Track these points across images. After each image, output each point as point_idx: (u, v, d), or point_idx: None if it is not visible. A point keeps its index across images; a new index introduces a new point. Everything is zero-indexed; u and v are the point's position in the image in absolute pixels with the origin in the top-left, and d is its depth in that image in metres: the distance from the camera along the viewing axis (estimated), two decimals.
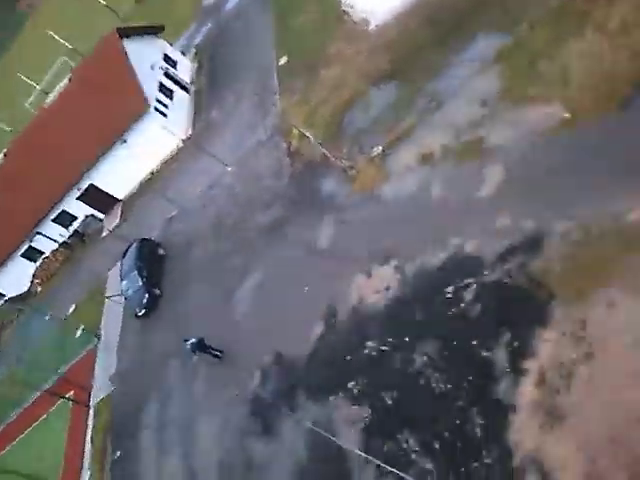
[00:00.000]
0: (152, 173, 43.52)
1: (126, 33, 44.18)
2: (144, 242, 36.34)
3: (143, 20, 66.88)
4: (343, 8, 35.85)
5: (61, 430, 34.56)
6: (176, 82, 45.63)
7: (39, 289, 48.65)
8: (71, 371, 37.74)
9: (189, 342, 27.04)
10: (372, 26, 32.98)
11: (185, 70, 47.60)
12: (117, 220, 44.24)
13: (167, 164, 42.64)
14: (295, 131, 31.37)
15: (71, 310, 42.51)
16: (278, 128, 34.13)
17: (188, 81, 46.77)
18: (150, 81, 42.55)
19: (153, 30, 47.44)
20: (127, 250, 36.54)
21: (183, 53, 50.29)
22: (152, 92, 42.09)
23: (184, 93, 45.52)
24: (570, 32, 23.13)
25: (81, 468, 31.34)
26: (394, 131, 26.87)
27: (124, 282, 34.92)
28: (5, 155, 48.22)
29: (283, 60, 37.94)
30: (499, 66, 24.59)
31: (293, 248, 27.60)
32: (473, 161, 22.46)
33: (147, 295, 33.90)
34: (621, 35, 21.54)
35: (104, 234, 44.61)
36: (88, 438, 32.32)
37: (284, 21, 40.69)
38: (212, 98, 43.16)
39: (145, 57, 43.64)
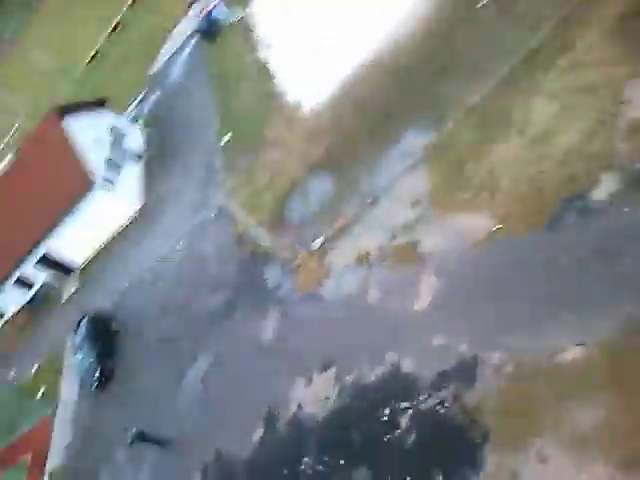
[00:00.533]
0: (105, 243, 40.76)
1: (68, 110, 41.44)
2: (96, 316, 34.10)
3: (95, 82, 64.56)
4: (277, 91, 34.14)
5: None
6: (124, 154, 43.09)
7: None
8: (29, 434, 35.04)
9: (129, 432, 25.31)
10: (306, 110, 31.29)
11: (135, 140, 45.06)
12: (74, 288, 41.47)
13: (120, 235, 40.07)
14: (240, 220, 29.66)
15: (33, 371, 39.60)
16: (224, 209, 32.17)
17: (138, 152, 44.26)
18: (96, 155, 39.97)
19: (97, 103, 44.73)
20: (80, 321, 34.42)
21: (136, 119, 47.63)
22: (99, 167, 39.48)
23: (133, 164, 43.02)
24: (494, 134, 21.88)
25: None
26: (333, 225, 25.33)
27: (78, 356, 32.87)
28: None
29: (226, 138, 36.02)
30: (428, 165, 23.22)
31: (238, 338, 25.83)
32: (408, 267, 21.10)
33: (99, 369, 31.71)
34: (543, 142, 20.34)
35: (63, 300, 41.80)
36: None
37: (225, 99, 38.79)
38: (161, 170, 40.82)
39: (89, 131, 41.01)
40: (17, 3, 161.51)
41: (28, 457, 33.25)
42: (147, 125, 47.18)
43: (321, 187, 27.35)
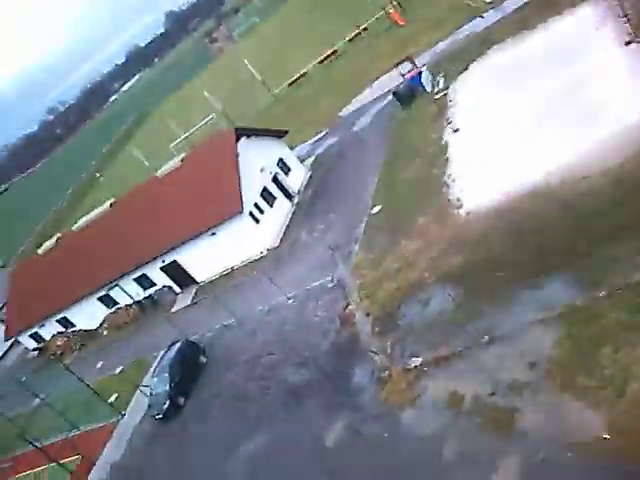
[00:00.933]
0: (232, 269, 41.22)
1: (246, 133, 42.72)
2: (189, 344, 34.03)
3: (285, 105, 66.73)
4: (444, 179, 32.43)
5: None
6: (282, 189, 43.59)
7: (105, 332, 47.71)
8: (87, 436, 35.78)
9: None
10: (463, 211, 29.19)
11: (297, 178, 45.51)
12: (189, 301, 42.32)
13: (246, 267, 40.27)
14: (352, 302, 28.23)
15: (117, 371, 40.79)
16: (343, 282, 30.91)
17: (295, 190, 44.59)
18: (255, 184, 40.86)
19: (275, 134, 45.80)
20: (171, 345, 34.45)
21: (302, 160, 48.24)
22: (253, 195, 40.17)
23: (287, 202, 43.35)
24: None
25: None
26: (438, 348, 22.96)
27: (155, 379, 32.72)
28: (111, 205, 47.80)
29: (376, 209, 34.91)
30: (564, 327, 20.21)
31: (302, 431, 24.20)
32: (496, 438, 18.17)
33: (169, 402, 31.35)
34: None
35: (175, 309, 42.82)
36: None
37: (393, 168, 37.78)
38: (305, 218, 40.60)
39: (258, 159, 42.06)
40: (259, 6, 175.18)
41: (78, 460, 33.70)
42: (315, 166, 47.53)
43: (443, 301, 25.11)
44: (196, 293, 42.71)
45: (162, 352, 34.97)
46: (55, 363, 47.79)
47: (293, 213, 42.61)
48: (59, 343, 50.18)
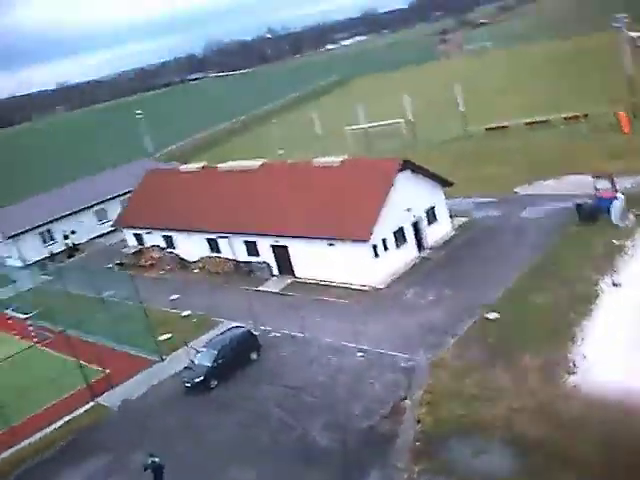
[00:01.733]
0: (331, 283, 40.38)
1: (412, 168, 41.29)
2: (250, 336, 33.65)
3: (470, 149, 64.03)
4: (575, 331, 29.49)
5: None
6: (417, 237, 41.95)
7: (196, 270, 49.09)
8: (124, 359, 36.69)
9: (150, 459, 24.72)
10: (572, 380, 26.29)
11: (437, 232, 43.62)
12: (278, 289, 42.13)
13: (344, 290, 39.29)
14: (412, 400, 26.43)
15: (184, 314, 41.38)
16: (416, 369, 29.23)
17: (429, 244, 42.76)
18: (394, 220, 39.61)
19: (440, 180, 44.03)
20: (235, 327, 34.59)
21: (452, 215, 46.08)
22: (386, 230, 38.92)
23: (415, 251, 41.70)
24: None
25: None
26: None
27: (203, 350, 32.71)
28: (262, 165, 48.22)
29: (492, 316, 32.57)
30: None
31: None
32: None
33: (202, 379, 31.15)
34: None
35: (262, 288, 42.79)
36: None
37: (530, 280, 35.12)
38: (425, 279, 38.73)
39: (410, 198, 40.53)
40: (500, 33, 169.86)
41: (101, 374, 34.40)
42: (459, 229, 45.41)
43: (495, 463, 22.85)
44: (288, 286, 42.24)
45: (225, 328, 34.87)
46: (140, 272, 49.66)
47: (414, 265, 40.82)
48: (153, 255, 51.76)
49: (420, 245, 42.32)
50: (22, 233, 59.48)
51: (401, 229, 40.52)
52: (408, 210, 40.73)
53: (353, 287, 39.48)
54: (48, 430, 30.90)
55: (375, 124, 78.24)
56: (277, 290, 41.95)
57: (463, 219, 47.09)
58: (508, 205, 48.17)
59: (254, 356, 33.37)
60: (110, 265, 55.44)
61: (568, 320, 30.50)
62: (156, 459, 24.42)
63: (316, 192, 42.19)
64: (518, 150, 61.91)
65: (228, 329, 34.49)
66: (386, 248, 39.47)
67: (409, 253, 41.39)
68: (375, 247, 38.58)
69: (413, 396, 27.54)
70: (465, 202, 50.32)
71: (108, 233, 64.10)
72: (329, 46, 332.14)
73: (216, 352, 31.93)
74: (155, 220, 51.88)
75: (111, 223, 60.97)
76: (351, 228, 38.50)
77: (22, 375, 37.17)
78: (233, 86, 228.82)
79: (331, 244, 39.44)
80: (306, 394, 29.49)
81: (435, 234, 43.50)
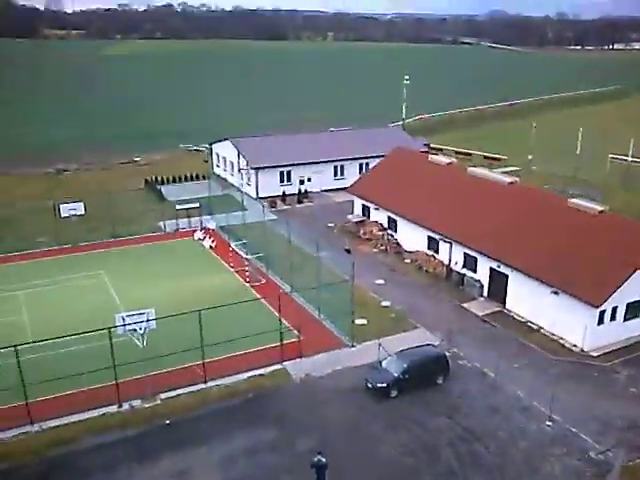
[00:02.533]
0: (538, 329, 38.61)
1: None
2: (442, 359, 33.39)
3: None
4: None
5: None
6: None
7: (408, 262, 48.92)
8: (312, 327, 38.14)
9: (317, 458, 25.72)
10: None
11: None
12: (483, 312, 41.06)
13: (550, 345, 37.33)
14: None
15: (385, 303, 41.93)
16: None
17: None
18: (634, 289, 36.19)
19: None
20: (429, 345, 34.83)
21: None
22: (622, 298, 36.03)
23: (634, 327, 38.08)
24: None
25: None
26: None
27: (394, 357, 33.07)
28: (511, 183, 46.53)
29: None
30: None
31: None
32: None
33: (385, 385, 31.78)
34: None
35: (470, 306, 41.96)
36: None
37: None
38: None
39: None
40: None
41: (294, 337, 35.92)
42: None
43: None
44: (494, 313, 41.03)
45: (420, 343, 34.98)
46: (355, 243, 51.03)
47: (633, 344, 37.27)
48: (374, 230, 52.76)
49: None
50: (265, 168, 63.45)
51: (638, 303, 37.00)
52: None
53: (562, 342, 37.19)
54: (234, 379, 33.23)
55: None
56: (482, 314, 40.82)
57: None
58: None
59: (440, 381, 33.03)
60: (332, 224, 57.62)
61: None
62: (323, 459, 25.32)
63: (559, 234, 39.79)
64: None
65: (423, 345, 34.37)
66: (613, 318, 36.42)
67: (637, 328, 37.80)
68: (603, 313, 35.71)
69: None
70: None
71: (338, 190, 66.31)
72: (617, 45, 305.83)
73: (406, 365, 32.05)
74: (385, 199, 52.64)
75: (345, 184, 63.11)
76: (585, 287, 35.90)
77: (227, 312, 40.08)
78: (509, 62, 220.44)
79: (555, 292, 37.21)
80: (481, 445, 28.66)
81: None
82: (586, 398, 32.17)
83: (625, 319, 37.10)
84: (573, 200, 41.82)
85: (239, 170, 66.14)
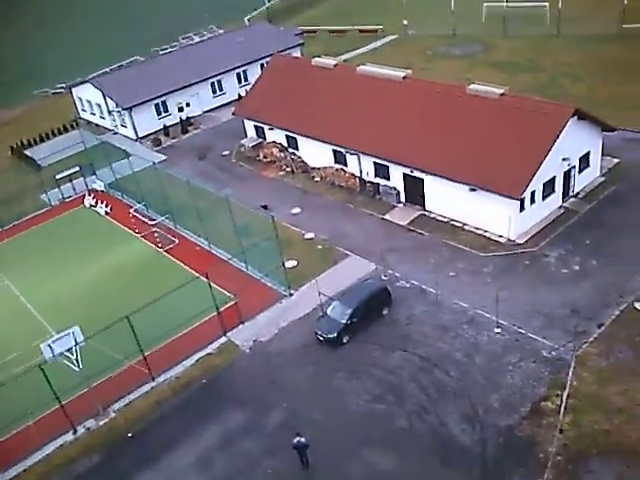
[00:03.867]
0: (463, 226, 39.60)
1: (582, 116, 38.32)
2: (384, 292, 33.85)
3: None
4: None
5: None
6: (566, 186, 39.84)
7: (316, 179, 48.64)
8: (247, 283, 37.48)
9: (297, 439, 25.93)
10: None
11: (586, 178, 41.25)
12: (405, 221, 41.55)
13: (476, 235, 38.51)
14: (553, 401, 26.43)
15: (307, 236, 41.71)
16: (561, 361, 28.96)
17: (574, 192, 40.71)
18: (548, 171, 37.54)
19: (608, 128, 40.81)
20: (367, 280, 35.00)
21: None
22: (538, 182, 37.04)
23: (559, 200, 39.80)
24: None
25: None
26: None
27: (335, 303, 33.33)
28: (404, 78, 45.62)
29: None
30: None
31: None
32: None
33: (335, 335, 32.02)
34: None
35: (388, 216, 42.30)
36: None
37: None
38: (569, 239, 37.24)
39: (570, 146, 37.97)
40: None
41: (230, 301, 35.38)
42: (608, 174, 42.67)
43: None
44: (416, 219, 41.59)
45: (358, 281, 35.32)
46: (258, 169, 49.69)
47: (557, 218, 39.14)
48: (274, 152, 51.33)
49: (566, 193, 40.23)
50: (138, 105, 59.42)
51: (552, 179, 38.44)
52: (564, 159, 38.31)
53: (487, 235, 38.53)
54: (182, 366, 32.73)
55: (517, 4, 71.65)
56: (405, 223, 41.37)
57: (612, 160, 43.98)
58: None
59: (385, 311, 33.77)
60: (226, 152, 55.61)
61: None
62: (302, 439, 25.76)
63: (465, 126, 39.95)
64: None
65: (364, 282, 34.73)
66: (533, 201, 37.80)
67: (554, 203, 39.56)
68: (523, 201, 36.92)
69: (555, 399, 27.54)
70: (614, 135, 46.52)
71: (221, 107, 63.60)
72: None
73: (351, 310, 32.37)
74: (278, 117, 50.74)
75: (227, 98, 61.16)
76: (501, 179, 36.67)
77: (148, 286, 38.48)
78: None
79: (473, 189, 37.96)
80: (441, 371, 29.95)
81: (583, 180, 41.15)
82: (524, 292, 33.87)
83: (544, 198, 38.52)
84: (472, 86, 41.63)
85: (109, 112, 61.67)
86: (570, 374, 28.48)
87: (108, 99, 60.49)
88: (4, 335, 36.96)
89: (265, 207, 40.19)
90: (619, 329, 30.60)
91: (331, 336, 32.12)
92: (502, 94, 40.20)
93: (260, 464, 27.08)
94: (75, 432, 29.85)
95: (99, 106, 63.44)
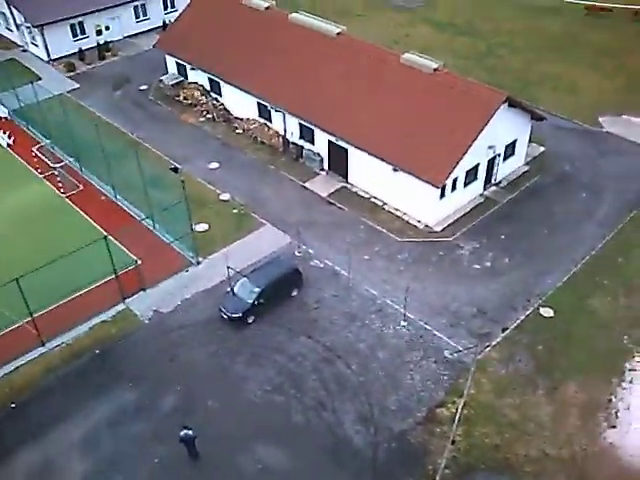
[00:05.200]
0: (383, 205, 39.15)
1: (514, 104, 37.99)
2: (295, 273, 33.15)
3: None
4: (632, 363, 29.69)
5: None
6: (488, 174, 39.77)
7: (239, 131, 46.40)
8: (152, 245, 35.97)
9: (185, 430, 25.36)
10: (612, 435, 27.05)
11: (509, 167, 41.27)
12: (325, 192, 40.63)
13: (393, 217, 38.26)
14: (448, 408, 26.88)
15: (223, 197, 40.16)
16: (461, 363, 29.38)
17: (497, 180, 40.78)
18: (473, 158, 37.11)
19: (537, 116, 40.65)
20: (278, 257, 34.31)
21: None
22: (461, 169, 36.72)
23: (479, 189, 39.78)
24: None
25: None
26: None
27: (243, 280, 32.34)
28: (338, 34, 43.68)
29: (547, 313, 32.18)
30: None
31: None
32: None
33: (240, 315, 31.25)
34: None
35: (308, 184, 41.34)
36: None
37: (593, 272, 34.41)
38: (485, 231, 37.38)
39: (497, 133, 37.61)
40: None
41: (132, 264, 33.89)
42: (532, 162, 42.91)
43: None
44: (337, 191, 40.74)
45: (269, 256, 34.52)
46: (177, 111, 47.18)
47: (477, 207, 39.19)
48: (195, 94, 48.75)
49: (488, 181, 40.23)
50: (51, 23, 54.67)
51: (476, 167, 38.19)
52: (490, 147, 38.06)
53: (406, 218, 38.21)
54: (75, 332, 31.21)
55: None
56: (325, 195, 40.42)
57: (539, 148, 44.18)
58: (589, 142, 45.04)
59: (294, 293, 33.16)
60: (144, 87, 52.51)
61: (621, 346, 30.42)
62: (189, 432, 25.21)
63: (395, 99, 38.73)
64: (617, 51, 56.42)
65: (274, 259, 33.81)
66: (454, 188, 37.55)
67: (473, 192, 39.51)
68: (444, 188, 36.59)
69: (450, 406, 28.00)
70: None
71: (143, 33, 59.74)
72: None
73: (259, 290, 31.53)
74: (202, 57, 47.84)
75: (151, 24, 57.59)
76: (425, 163, 36.03)
77: (45, 236, 36.33)
78: None
79: (395, 170, 37.29)
80: (343, 364, 29.80)
81: (507, 169, 41.21)
82: (435, 285, 33.93)
83: (465, 186, 38.35)
84: (405, 56, 40.26)
85: (17, 27, 56.57)
86: (469, 380, 28.88)
87: (15, 10, 55.20)
88: None
89: (175, 170, 38.18)
90: (522, 335, 31.20)
91: (236, 315, 31.33)
92: (435, 69, 39.06)
93: (148, 450, 26.35)
94: None
95: (5, 16, 57.98)
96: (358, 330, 31.49)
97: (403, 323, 31.73)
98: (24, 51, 57.44)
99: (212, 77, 47.42)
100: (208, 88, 48.50)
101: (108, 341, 31.06)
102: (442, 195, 36.92)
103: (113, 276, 32.30)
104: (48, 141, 44.01)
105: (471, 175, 38.29)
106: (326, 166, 42.19)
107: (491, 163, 39.46)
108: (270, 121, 44.53)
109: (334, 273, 34.67)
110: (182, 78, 50.36)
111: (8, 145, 45.21)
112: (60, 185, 40.47)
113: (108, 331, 31.58)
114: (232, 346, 30.83)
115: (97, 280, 33.03)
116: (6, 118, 47.41)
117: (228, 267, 32.82)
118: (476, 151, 36.65)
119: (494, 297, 33.25)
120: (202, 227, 37.20)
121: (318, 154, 41.97)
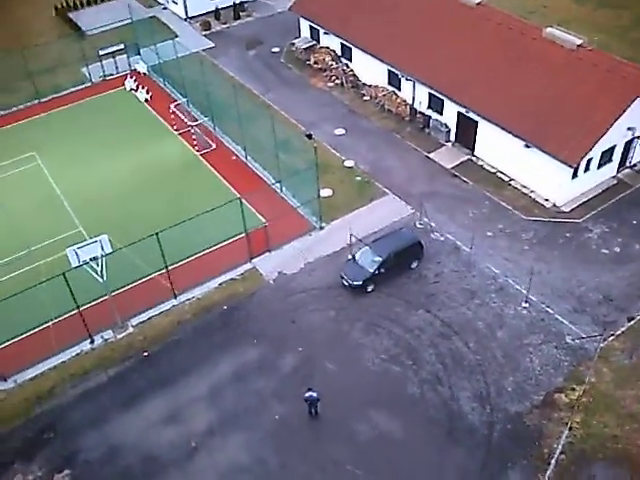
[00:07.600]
0: (510, 181, 38.15)
1: None
2: (417, 245, 32.96)
3: None
4: None
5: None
6: (624, 156, 37.76)
7: (367, 98, 46.21)
8: (279, 205, 36.89)
9: (309, 394, 26.19)
10: None
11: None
12: (450, 164, 39.93)
13: (522, 202, 37.05)
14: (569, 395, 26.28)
15: (348, 164, 40.29)
16: (584, 351, 28.59)
17: (633, 163, 38.65)
18: (611, 138, 35.13)
19: None
20: (403, 231, 33.93)
21: None
22: (597, 149, 34.97)
23: (613, 171, 37.88)
24: None
25: None
26: None
27: (365, 249, 32.60)
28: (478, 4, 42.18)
29: None
30: None
31: None
32: None
33: (361, 283, 31.65)
34: None
35: (433, 154, 40.77)
36: None
37: None
38: (616, 215, 35.70)
39: (638, 114, 35.36)
40: None
41: (260, 225, 34.48)
42: None
43: None
44: (462, 163, 39.99)
45: (390, 225, 34.63)
46: (307, 75, 47.47)
47: (609, 189, 37.41)
48: (326, 59, 48.84)
49: (622, 164, 38.19)
50: None
51: (612, 148, 36.31)
52: (629, 129, 36.02)
53: (533, 196, 37.05)
54: (205, 288, 32.58)
55: None
56: (450, 166, 39.75)
57: None
58: None
59: (414, 265, 33.10)
60: (277, 49, 53.07)
61: None
62: (314, 394, 25.98)
63: (534, 74, 37.22)
64: None
65: (398, 230, 33.75)
66: (588, 169, 35.95)
67: (608, 172, 37.67)
68: (577, 168, 35.09)
69: (569, 392, 27.35)
70: None
71: None
72: None
73: (381, 259, 31.69)
74: (336, 22, 47.73)
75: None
76: (560, 141, 34.55)
77: (182, 194, 37.88)
78: None
79: (528, 146, 36.08)
80: (460, 340, 29.67)
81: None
82: (560, 268, 32.86)
83: (599, 167, 36.66)
84: (548, 30, 38.47)
85: None
86: (590, 368, 28.05)
87: None
88: (33, 221, 36.84)
89: (309, 136, 38.63)
90: None
91: (356, 283, 31.69)
92: (579, 45, 37.10)
93: (269, 407, 27.42)
94: (92, 342, 30.20)
95: None
96: (477, 308, 31.10)
97: (524, 304, 31.02)
98: (164, 9, 59.25)
99: (344, 42, 47.23)
100: (339, 53, 48.37)
101: (235, 298, 32.23)
102: (575, 175, 35.46)
103: (243, 235, 33.15)
104: (184, 99, 45.34)
105: (606, 156, 36.47)
106: (453, 137, 41.29)
107: (628, 145, 37.31)
108: (399, 89, 44.02)
109: (455, 247, 34.26)
110: (314, 42, 50.40)
111: (146, 100, 47.05)
112: (195, 143, 41.82)
113: (236, 289, 32.75)
114: (351, 313, 31.25)
115: (227, 238, 34.05)
116: (145, 74, 49.25)
117: (351, 235, 33.14)
118: (615, 132, 34.74)
119: (622, 284, 31.84)
120: (326, 192, 37.52)
121: (446, 125, 41.17)
